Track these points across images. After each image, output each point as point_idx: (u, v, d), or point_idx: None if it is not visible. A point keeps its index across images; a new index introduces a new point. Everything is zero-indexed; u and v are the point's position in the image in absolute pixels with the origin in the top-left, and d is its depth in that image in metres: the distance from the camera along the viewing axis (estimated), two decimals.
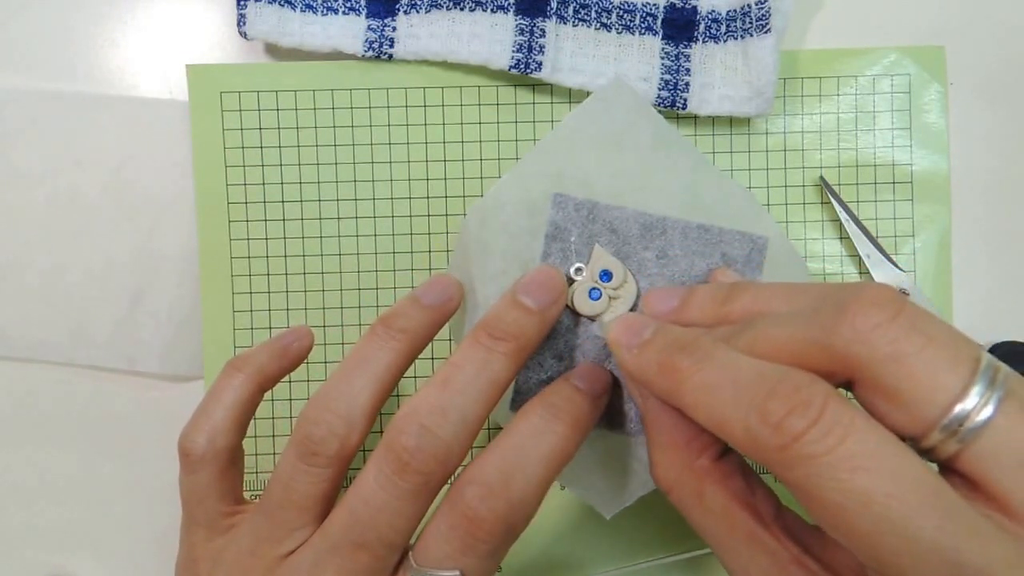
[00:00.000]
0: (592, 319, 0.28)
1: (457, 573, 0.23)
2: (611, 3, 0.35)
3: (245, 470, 0.29)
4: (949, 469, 0.18)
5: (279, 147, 0.36)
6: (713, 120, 0.36)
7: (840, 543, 0.20)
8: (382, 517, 0.23)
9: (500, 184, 0.29)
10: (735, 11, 0.34)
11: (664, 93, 0.34)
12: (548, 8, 0.34)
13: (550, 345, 0.28)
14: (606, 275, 0.28)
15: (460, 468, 0.24)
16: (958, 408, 0.18)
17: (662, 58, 0.35)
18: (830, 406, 0.18)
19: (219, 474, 0.27)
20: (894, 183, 0.36)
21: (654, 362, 0.22)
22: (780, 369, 0.19)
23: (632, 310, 0.28)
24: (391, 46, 0.35)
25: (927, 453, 0.18)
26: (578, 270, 0.28)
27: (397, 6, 0.35)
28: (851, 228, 0.35)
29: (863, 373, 0.19)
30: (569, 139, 0.29)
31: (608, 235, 0.28)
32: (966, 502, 0.17)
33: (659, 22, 0.35)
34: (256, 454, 0.36)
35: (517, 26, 0.34)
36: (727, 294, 0.24)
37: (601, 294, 0.28)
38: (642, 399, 0.23)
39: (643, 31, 0.35)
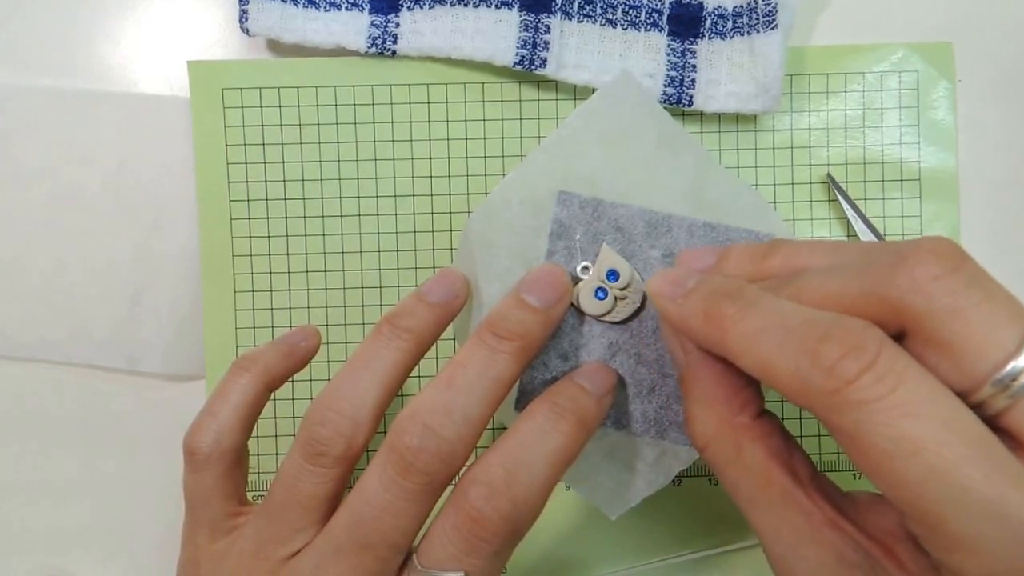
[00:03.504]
0: (597, 319, 0.28)
1: (461, 574, 0.23)
2: None
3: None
4: (994, 426, 0.18)
5: (281, 144, 0.36)
6: (719, 117, 0.36)
7: (878, 502, 0.20)
8: (386, 518, 0.23)
9: (505, 182, 0.28)
10: (741, 7, 0.34)
11: (670, 90, 0.34)
12: (553, 4, 0.34)
13: (555, 344, 0.28)
14: (613, 275, 0.27)
15: (464, 468, 0.24)
16: (1012, 364, 0.18)
17: (668, 54, 0.34)
18: (884, 352, 0.18)
19: (224, 474, 0.27)
20: (902, 181, 0.36)
21: (699, 311, 0.21)
22: (831, 315, 0.19)
23: (638, 311, 0.28)
24: (394, 42, 0.35)
25: (975, 408, 0.18)
26: (584, 269, 0.28)
27: (400, 2, 0.35)
28: (858, 226, 0.35)
29: (917, 324, 0.19)
30: (574, 136, 0.28)
31: (613, 233, 0.28)
32: (1014, 456, 0.17)
33: (665, 18, 0.34)
34: (258, 454, 0.36)
35: (521, 22, 0.34)
36: (766, 250, 0.23)
37: (607, 294, 0.27)
38: (684, 352, 0.23)
39: (649, 27, 0.34)
